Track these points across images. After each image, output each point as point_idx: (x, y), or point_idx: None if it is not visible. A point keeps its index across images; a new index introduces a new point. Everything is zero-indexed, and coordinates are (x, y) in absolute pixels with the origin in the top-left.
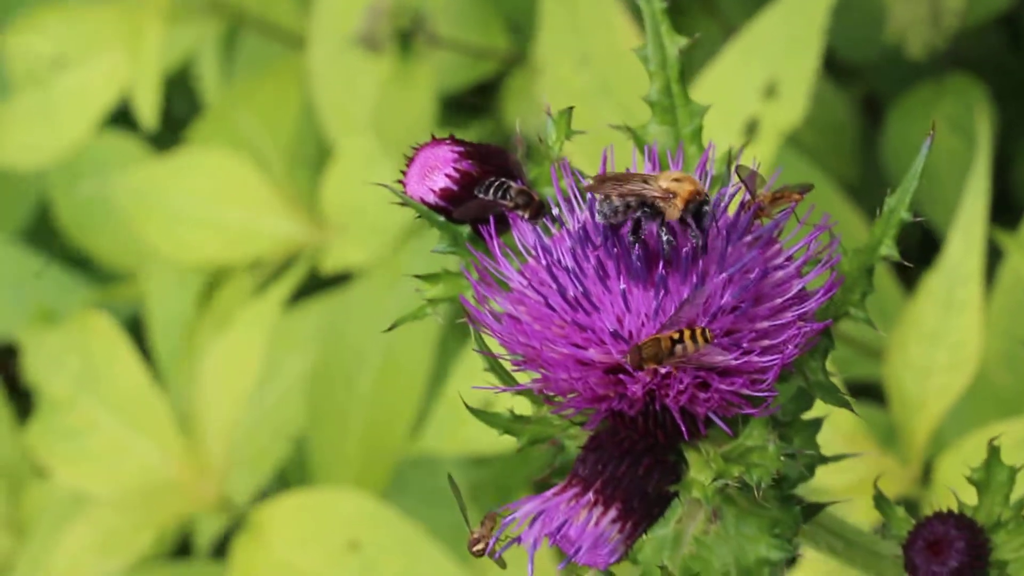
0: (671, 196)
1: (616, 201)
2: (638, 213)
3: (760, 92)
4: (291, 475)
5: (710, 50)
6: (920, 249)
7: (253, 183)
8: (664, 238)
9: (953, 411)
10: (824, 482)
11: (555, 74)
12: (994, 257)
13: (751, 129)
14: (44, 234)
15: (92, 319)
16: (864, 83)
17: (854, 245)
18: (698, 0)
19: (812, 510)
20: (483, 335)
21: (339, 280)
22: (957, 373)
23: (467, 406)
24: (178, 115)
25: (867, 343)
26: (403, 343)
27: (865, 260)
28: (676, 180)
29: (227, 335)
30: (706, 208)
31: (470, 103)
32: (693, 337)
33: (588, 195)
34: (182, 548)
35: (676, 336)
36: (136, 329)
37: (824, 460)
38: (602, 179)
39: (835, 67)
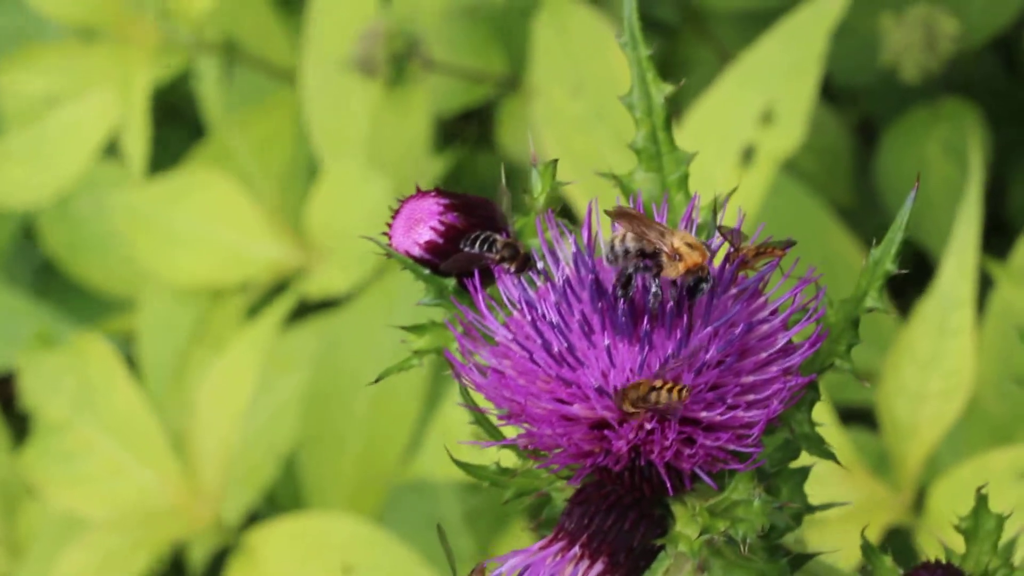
0: (677, 258)
1: (630, 243)
2: (639, 263)
3: (757, 118)
4: (284, 499)
5: (703, 74)
6: (914, 274)
7: (245, 206)
8: (653, 291)
9: (945, 438)
10: (817, 513)
11: (549, 100)
12: (986, 283)
13: (748, 155)
14: (30, 261)
15: (89, 343)
16: (860, 107)
17: (848, 268)
18: (691, 24)
19: (799, 560)
20: (468, 389)
21: (331, 302)
22: (950, 399)
23: (453, 459)
24: (174, 137)
25: (859, 368)
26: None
27: (851, 311)
28: (688, 245)
29: (221, 361)
30: (703, 285)
31: (458, 132)
32: (671, 389)
33: (593, 230)
34: (176, 569)
35: (657, 384)
36: (127, 349)
37: (812, 510)
38: (626, 213)
39: (831, 91)
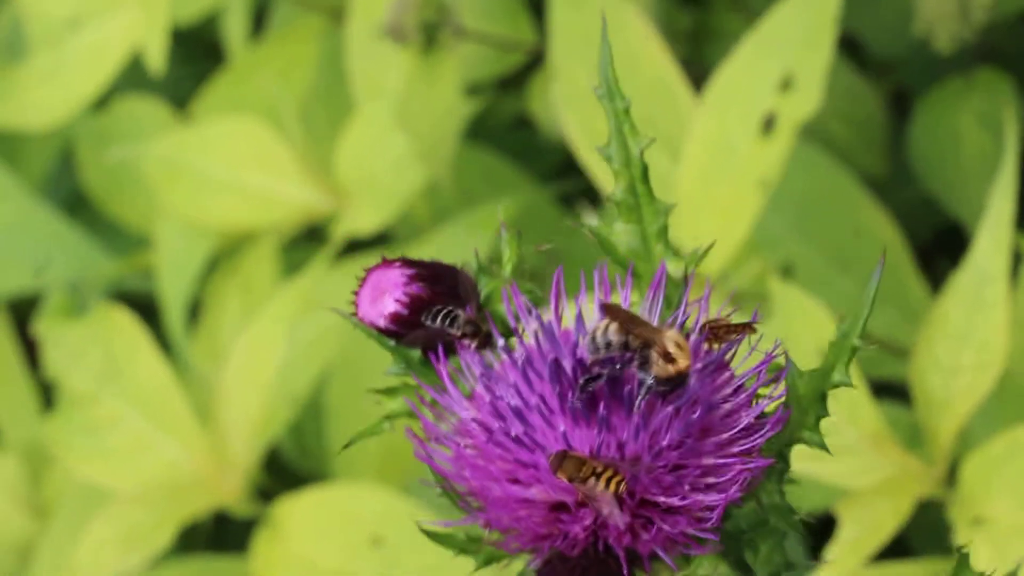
0: (671, 361)
1: (612, 336)
2: (622, 357)
3: (776, 86)
4: (308, 470)
5: (734, 47)
6: (946, 245)
7: (277, 150)
8: (648, 384)
9: (978, 411)
10: (847, 483)
11: (569, 81)
12: (1018, 255)
13: (769, 124)
14: (65, 192)
15: (113, 313)
16: (894, 77)
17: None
18: None
19: None
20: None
21: (358, 243)
22: (983, 373)
23: (423, 531)
24: (205, 74)
25: (892, 342)
26: None
27: (819, 385)
28: (677, 346)
29: (248, 331)
30: (682, 388)
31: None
32: (609, 481)
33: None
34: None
35: (599, 469)
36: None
37: (791, 567)
38: (612, 308)
39: (866, 61)
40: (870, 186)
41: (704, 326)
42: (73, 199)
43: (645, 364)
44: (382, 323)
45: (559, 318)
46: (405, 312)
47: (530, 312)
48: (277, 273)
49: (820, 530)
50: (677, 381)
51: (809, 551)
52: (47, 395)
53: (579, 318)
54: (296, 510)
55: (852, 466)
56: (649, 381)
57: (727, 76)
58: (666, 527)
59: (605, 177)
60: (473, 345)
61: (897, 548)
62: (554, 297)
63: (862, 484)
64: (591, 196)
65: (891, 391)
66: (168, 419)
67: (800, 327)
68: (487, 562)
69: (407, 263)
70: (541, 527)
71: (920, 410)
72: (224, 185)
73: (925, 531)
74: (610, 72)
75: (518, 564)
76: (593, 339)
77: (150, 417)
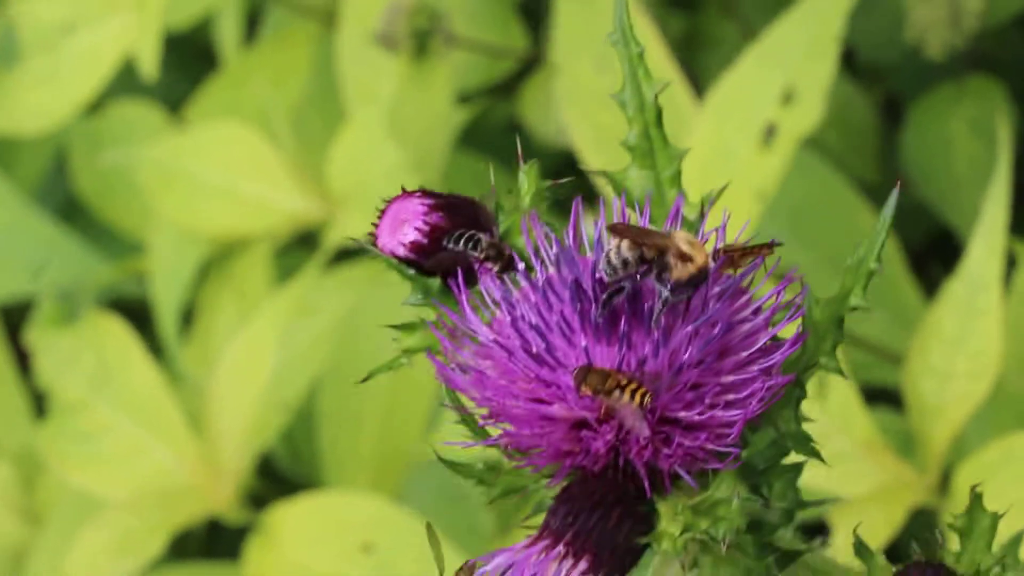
0: (688, 260)
1: (627, 252)
2: (640, 270)
3: (778, 98)
4: (300, 477)
5: (726, 52)
6: (940, 251)
7: (269, 157)
8: (664, 296)
9: (971, 418)
10: (839, 490)
11: (573, 76)
12: (1011, 260)
13: (769, 134)
14: (58, 197)
15: (105, 320)
16: (886, 84)
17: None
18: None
19: (787, 558)
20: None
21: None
22: (977, 380)
23: (440, 458)
24: (199, 77)
25: (885, 348)
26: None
27: (836, 310)
28: (690, 244)
29: (242, 335)
30: (704, 286)
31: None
32: (634, 394)
33: (595, 241)
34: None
35: (624, 382)
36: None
37: (804, 505)
38: (618, 227)
39: (856, 68)
40: (863, 192)
41: (720, 250)
42: (67, 204)
43: (664, 272)
44: (401, 252)
45: (577, 244)
46: (425, 241)
47: (549, 239)
48: (270, 279)
49: (812, 537)
50: (699, 279)
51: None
52: (40, 403)
53: (598, 243)
54: (289, 517)
55: (845, 473)
56: (666, 293)
57: (729, 85)
58: (686, 442)
59: (603, 177)
60: (495, 268)
61: (890, 557)
62: (572, 225)
63: (855, 492)
64: (587, 198)
65: (884, 397)
66: (160, 426)
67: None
68: (505, 493)
69: (426, 194)
70: (563, 443)
71: (913, 417)
72: (217, 191)
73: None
74: (625, 18)
75: (534, 497)
76: (608, 261)
77: (142, 424)
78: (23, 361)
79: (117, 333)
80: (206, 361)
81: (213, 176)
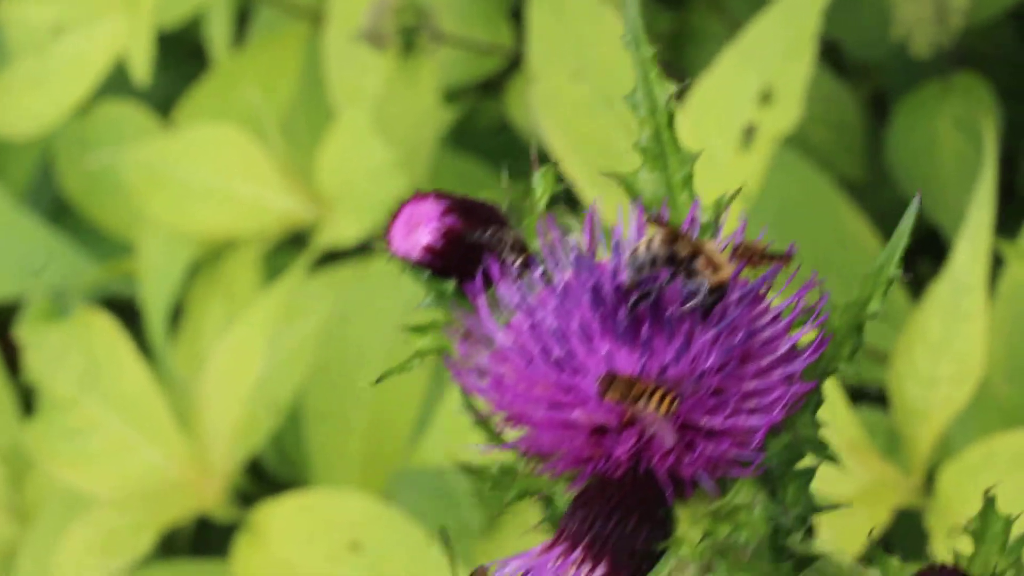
0: (717, 268)
1: (657, 248)
2: (665, 273)
3: (756, 98)
4: (288, 477)
5: (713, 49)
6: (926, 247)
7: (259, 158)
8: (700, 298)
9: (956, 421)
10: (825, 491)
11: (549, 84)
12: (997, 260)
13: (749, 135)
14: (46, 199)
15: (94, 317)
16: (872, 82)
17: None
18: None
19: (804, 561)
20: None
21: (338, 252)
22: (962, 383)
23: (456, 461)
24: (188, 76)
25: (870, 345)
26: (406, 344)
27: (854, 316)
28: (719, 252)
29: (231, 334)
30: (722, 300)
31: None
32: (661, 400)
33: (619, 237)
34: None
35: (649, 389)
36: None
37: (817, 510)
38: (663, 220)
39: (844, 65)
40: (849, 190)
41: (737, 249)
42: (54, 206)
43: (692, 276)
44: (416, 255)
45: (594, 248)
46: (440, 244)
47: (566, 243)
48: (259, 280)
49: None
50: (721, 292)
51: None
52: (28, 399)
53: (616, 247)
54: (277, 515)
55: (829, 473)
56: (700, 295)
57: (707, 87)
58: (709, 449)
59: (583, 182)
60: (519, 261)
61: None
62: (587, 229)
63: (839, 492)
64: (570, 200)
65: (869, 395)
66: (149, 424)
67: None
68: (520, 496)
69: (441, 196)
70: (584, 449)
71: (898, 419)
72: (206, 192)
73: (903, 541)
74: (637, 20)
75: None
76: (635, 256)
77: (131, 422)
78: (11, 357)
79: (107, 330)
80: (195, 361)
81: (202, 177)
